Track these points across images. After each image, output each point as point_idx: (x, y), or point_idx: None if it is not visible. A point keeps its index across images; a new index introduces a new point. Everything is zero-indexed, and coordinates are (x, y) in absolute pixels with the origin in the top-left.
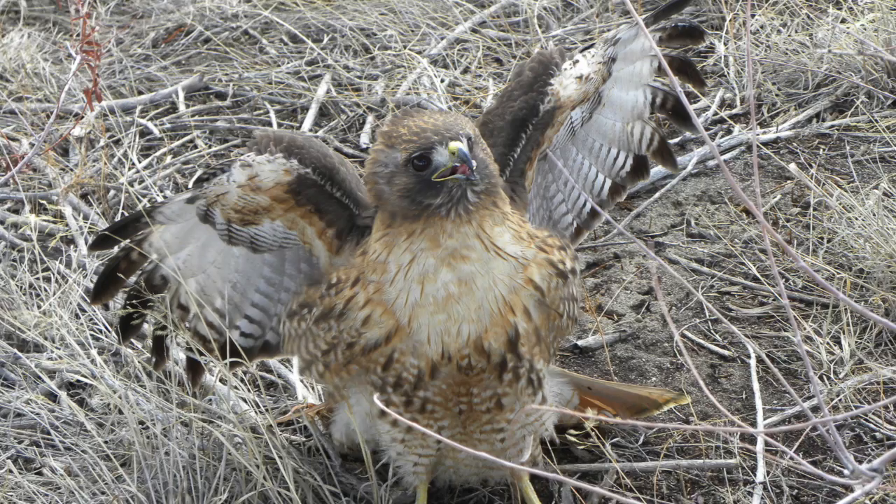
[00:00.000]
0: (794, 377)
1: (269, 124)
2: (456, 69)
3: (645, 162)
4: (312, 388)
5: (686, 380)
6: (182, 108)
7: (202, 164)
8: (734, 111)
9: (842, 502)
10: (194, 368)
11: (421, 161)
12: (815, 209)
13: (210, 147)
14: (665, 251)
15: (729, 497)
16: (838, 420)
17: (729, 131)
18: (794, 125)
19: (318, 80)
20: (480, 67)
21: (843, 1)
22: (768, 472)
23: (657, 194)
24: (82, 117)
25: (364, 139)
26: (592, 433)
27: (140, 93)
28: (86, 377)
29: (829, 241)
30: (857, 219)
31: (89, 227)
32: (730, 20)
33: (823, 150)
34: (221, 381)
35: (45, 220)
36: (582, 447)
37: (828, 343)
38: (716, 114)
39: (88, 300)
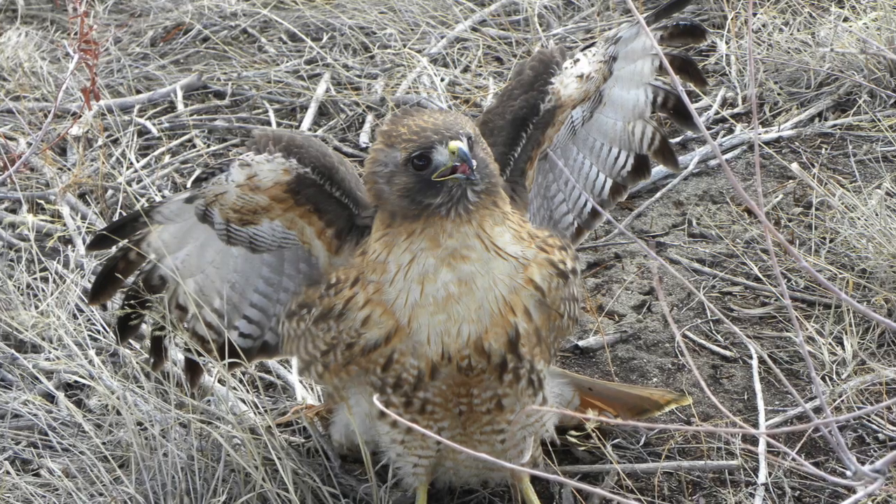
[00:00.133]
0: (796, 378)
1: (268, 123)
2: (456, 68)
3: (646, 161)
4: (311, 389)
5: (687, 380)
6: (180, 107)
7: (201, 164)
8: (736, 110)
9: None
10: (193, 369)
11: (421, 160)
12: (817, 209)
13: (209, 146)
14: (666, 251)
15: (731, 498)
16: (841, 421)
17: (731, 130)
18: (796, 124)
19: (318, 79)
20: (481, 66)
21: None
22: (770, 474)
23: (658, 194)
24: (80, 116)
25: (363, 138)
26: (593, 434)
27: (138, 92)
28: (84, 378)
29: (831, 240)
30: (859, 218)
31: (87, 227)
32: (731, 19)
33: (826, 149)
34: (220, 381)
35: (42, 220)
36: (583, 448)
37: (830, 343)
38: (717, 113)
39: (86, 300)
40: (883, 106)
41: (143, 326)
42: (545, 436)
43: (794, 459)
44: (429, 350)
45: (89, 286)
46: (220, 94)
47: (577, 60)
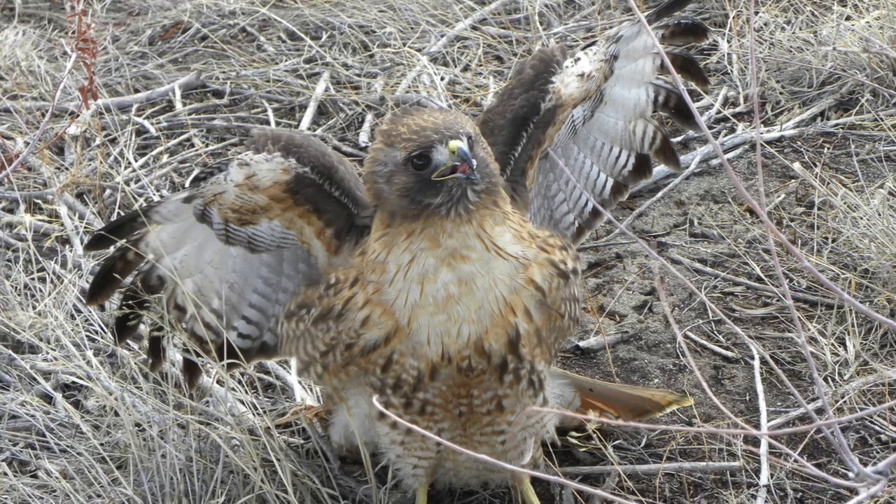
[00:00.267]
0: (799, 379)
1: (267, 123)
2: (456, 67)
3: (647, 161)
4: (311, 390)
5: (689, 381)
6: (179, 106)
7: (199, 163)
8: (737, 109)
9: None
10: (191, 370)
11: (420, 160)
12: (819, 208)
13: (207, 146)
14: (668, 251)
15: (732, 500)
16: (843, 422)
17: (732, 130)
18: (799, 123)
19: (317, 78)
20: (481, 65)
21: None
22: (772, 475)
23: (660, 193)
24: (78, 116)
25: (363, 138)
26: (594, 435)
27: (136, 91)
28: (81, 379)
29: (833, 240)
30: (862, 218)
31: (85, 227)
32: (733, 17)
33: (828, 148)
34: (219, 382)
35: (40, 220)
36: (583, 449)
37: (832, 344)
38: (719, 112)
39: (84, 301)
40: (885, 105)
41: (142, 327)
42: (546, 437)
43: (796, 461)
44: (429, 351)
45: (87, 286)
46: (218, 93)
47: (578, 59)
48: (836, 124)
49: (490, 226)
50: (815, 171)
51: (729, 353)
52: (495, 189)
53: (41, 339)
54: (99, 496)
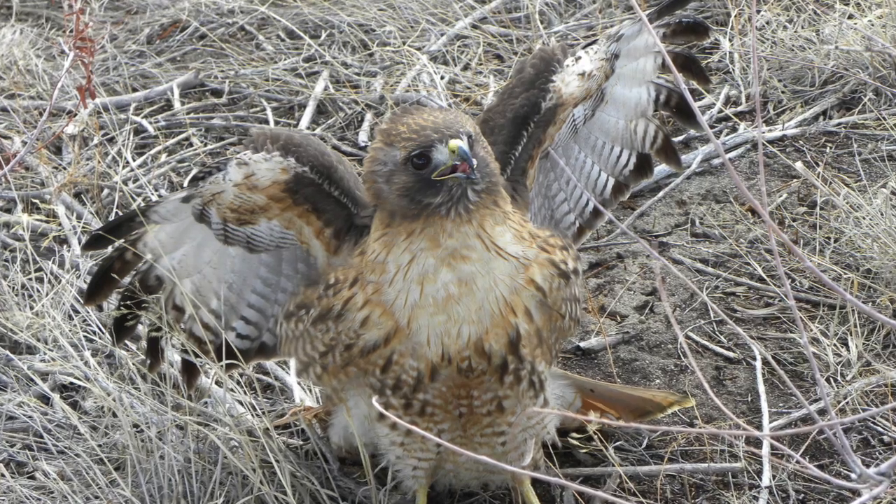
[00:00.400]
0: (801, 379)
1: (266, 122)
2: (456, 66)
3: (648, 160)
4: (310, 391)
5: (690, 382)
6: (177, 105)
7: (198, 163)
8: (739, 108)
9: None
10: (190, 371)
11: (420, 159)
12: (821, 208)
13: (206, 145)
14: (669, 251)
15: (734, 501)
16: (845, 423)
17: (734, 129)
18: (801, 123)
19: (316, 77)
20: (481, 64)
21: None
22: (774, 477)
23: (661, 193)
24: (75, 115)
25: (362, 137)
26: (595, 436)
27: (134, 90)
28: (79, 379)
29: (835, 240)
30: (864, 218)
31: (83, 227)
32: (735, 16)
33: (830, 148)
34: (217, 383)
35: (37, 220)
36: (584, 451)
37: (835, 345)
38: (721, 111)
39: (82, 301)
40: (888, 104)
41: (140, 327)
42: (546, 438)
43: (798, 462)
44: (428, 351)
45: (85, 286)
46: (217, 93)
47: (579, 58)
48: (839, 123)
49: (490, 226)
50: (817, 170)
51: (730, 354)
52: (496, 189)
53: (39, 340)
54: (97, 497)
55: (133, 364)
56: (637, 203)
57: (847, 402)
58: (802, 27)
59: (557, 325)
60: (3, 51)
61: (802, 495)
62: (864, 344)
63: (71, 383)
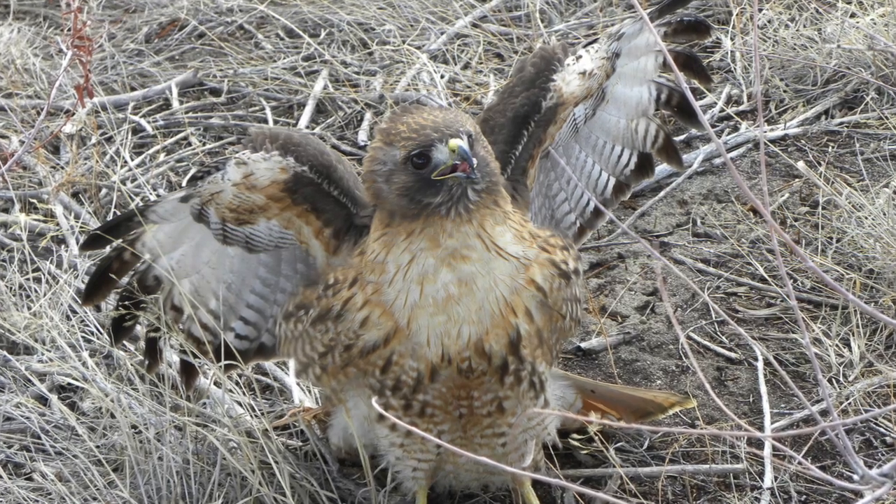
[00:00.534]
0: (803, 380)
1: (265, 121)
2: (456, 65)
3: (650, 160)
4: (309, 392)
5: (692, 383)
6: (176, 104)
7: (196, 162)
8: (741, 108)
9: None
10: (188, 371)
11: (420, 159)
12: (823, 208)
13: (204, 144)
14: (670, 251)
15: (735, 503)
16: (848, 424)
17: (736, 128)
18: (803, 122)
19: (315, 76)
20: (481, 63)
21: None
22: (776, 478)
23: (662, 193)
24: (73, 114)
25: (362, 136)
26: (596, 437)
27: (133, 89)
28: (77, 380)
29: (838, 240)
30: (866, 218)
31: (81, 227)
32: (736, 14)
33: (832, 147)
34: (216, 384)
35: (35, 220)
36: (585, 452)
37: (837, 345)
38: (722, 110)
39: (80, 301)
40: (891, 103)
41: (138, 328)
42: (547, 439)
43: (800, 463)
44: (428, 352)
45: (83, 287)
46: (216, 92)
47: (580, 57)
48: (841, 123)
49: (490, 225)
50: (819, 170)
51: (732, 355)
52: (496, 188)
53: (36, 340)
54: (95, 499)
55: (131, 365)
56: (638, 203)
57: (849, 403)
58: (804, 26)
59: (558, 325)
60: (1, 49)
61: (804, 497)
62: (866, 344)
63: (69, 384)
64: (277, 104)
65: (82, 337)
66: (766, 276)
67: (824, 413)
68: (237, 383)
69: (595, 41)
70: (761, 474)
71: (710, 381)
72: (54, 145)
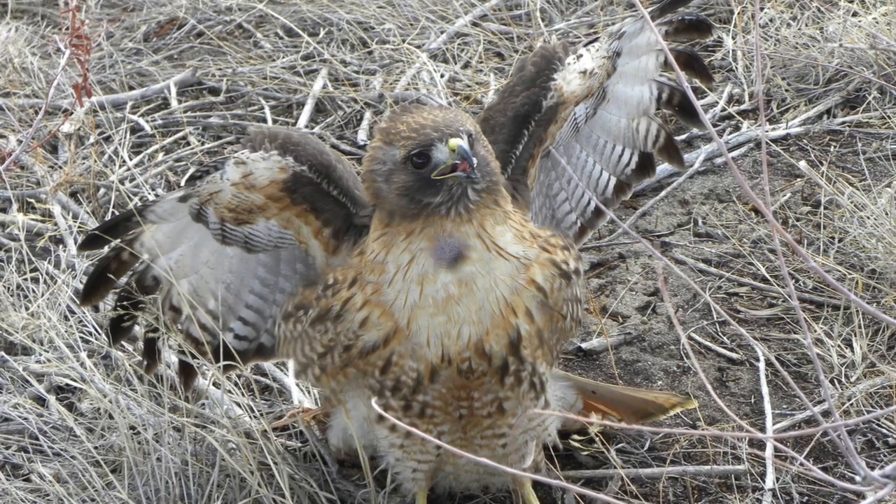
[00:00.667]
0: (805, 381)
1: (264, 120)
2: (456, 64)
3: (651, 159)
4: (308, 392)
5: (693, 383)
6: (174, 103)
7: (195, 162)
8: (742, 107)
9: None
10: (187, 372)
11: (420, 158)
12: (825, 208)
13: (203, 144)
14: (671, 251)
15: None
16: (850, 425)
17: (737, 128)
18: (805, 121)
19: (315, 75)
20: (481, 62)
21: None
22: (778, 479)
23: (663, 192)
24: (71, 113)
25: (361, 136)
26: (596, 438)
27: (131, 88)
28: (75, 381)
29: (840, 240)
30: (869, 218)
31: (79, 227)
32: (738, 13)
33: (834, 146)
34: (215, 384)
35: (33, 220)
36: (586, 453)
37: (839, 346)
38: (724, 110)
39: (78, 301)
40: (893, 102)
41: (136, 328)
42: (547, 440)
43: (801, 464)
44: (428, 352)
45: (81, 287)
46: (214, 91)
47: (580, 56)
48: (843, 122)
49: (491, 225)
50: (821, 169)
51: (734, 355)
52: (496, 188)
53: (34, 341)
54: (93, 500)
55: (129, 365)
56: (639, 202)
57: (851, 404)
58: (806, 25)
59: (559, 325)
60: None
61: (806, 498)
62: (868, 345)
63: (67, 385)
64: (276, 103)
65: (80, 337)
66: (767, 276)
67: (826, 414)
68: (236, 384)
69: (596, 40)
70: (763, 475)
71: (711, 381)
72: (52, 145)
